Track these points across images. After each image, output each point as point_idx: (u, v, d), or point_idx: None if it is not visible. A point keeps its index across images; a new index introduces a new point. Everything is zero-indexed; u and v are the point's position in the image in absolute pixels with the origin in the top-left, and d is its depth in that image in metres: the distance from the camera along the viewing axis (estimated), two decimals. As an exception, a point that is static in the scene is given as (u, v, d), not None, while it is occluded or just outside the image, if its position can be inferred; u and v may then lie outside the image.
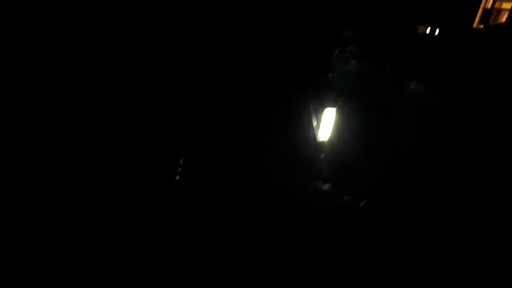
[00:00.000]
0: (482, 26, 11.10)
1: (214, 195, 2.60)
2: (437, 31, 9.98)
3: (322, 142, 3.10)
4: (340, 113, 3.28)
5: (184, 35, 3.06)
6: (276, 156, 2.88)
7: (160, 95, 2.93)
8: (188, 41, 3.05)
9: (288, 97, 3.24)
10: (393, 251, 2.35)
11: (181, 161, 2.74)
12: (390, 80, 6.70)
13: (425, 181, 3.22)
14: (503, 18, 10.63)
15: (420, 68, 7.13)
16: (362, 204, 2.76)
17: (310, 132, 3.06)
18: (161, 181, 2.68)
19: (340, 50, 7.18)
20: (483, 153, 3.83)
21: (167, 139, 2.81)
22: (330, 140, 3.14)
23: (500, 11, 11.15)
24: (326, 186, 2.97)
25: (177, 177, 2.69)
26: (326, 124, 3.13)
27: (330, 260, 2.24)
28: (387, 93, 5.69)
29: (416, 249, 2.40)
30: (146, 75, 2.96)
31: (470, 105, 5.31)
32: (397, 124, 4.21)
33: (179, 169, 2.71)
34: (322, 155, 3.09)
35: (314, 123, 3.12)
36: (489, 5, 11.34)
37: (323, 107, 3.21)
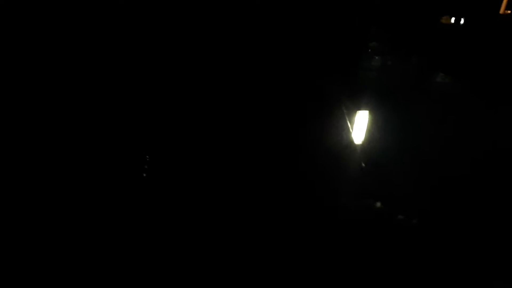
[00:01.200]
0: (510, 11, 10.62)
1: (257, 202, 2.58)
2: (462, 20, 9.64)
3: (359, 148, 2.99)
4: (374, 115, 3.17)
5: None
6: (315, 162, 2.82)
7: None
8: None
9: (322, 98, 3.15)
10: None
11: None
12: (417, 74, 6.52)
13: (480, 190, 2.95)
14: (532, 1, 10.12)
15: (447, 59, 6.92)
16: (414, 221, 2.61)
17: (346, 137, 2.98)
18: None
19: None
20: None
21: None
22: (367, 145, 3.02)
23: (528, -6, 10.62)
24: (378, 204, 2.76)
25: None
26: (360, 127, 3.06)
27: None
28: (416, 89, 5.52)
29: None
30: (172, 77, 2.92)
31: (503, 96, 5.07)
32: (432, 123, 4.03)
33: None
34: (363, 165, 2.95)
35: (349, 126, 3.03)
36: (516, -11, 10.83)
37: (356, 108, 3.14)
